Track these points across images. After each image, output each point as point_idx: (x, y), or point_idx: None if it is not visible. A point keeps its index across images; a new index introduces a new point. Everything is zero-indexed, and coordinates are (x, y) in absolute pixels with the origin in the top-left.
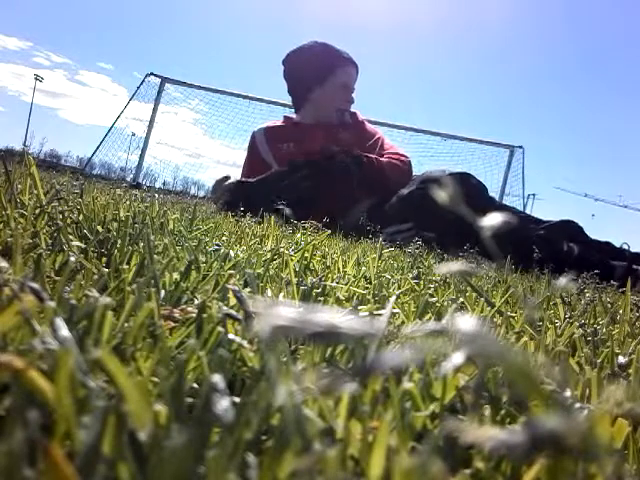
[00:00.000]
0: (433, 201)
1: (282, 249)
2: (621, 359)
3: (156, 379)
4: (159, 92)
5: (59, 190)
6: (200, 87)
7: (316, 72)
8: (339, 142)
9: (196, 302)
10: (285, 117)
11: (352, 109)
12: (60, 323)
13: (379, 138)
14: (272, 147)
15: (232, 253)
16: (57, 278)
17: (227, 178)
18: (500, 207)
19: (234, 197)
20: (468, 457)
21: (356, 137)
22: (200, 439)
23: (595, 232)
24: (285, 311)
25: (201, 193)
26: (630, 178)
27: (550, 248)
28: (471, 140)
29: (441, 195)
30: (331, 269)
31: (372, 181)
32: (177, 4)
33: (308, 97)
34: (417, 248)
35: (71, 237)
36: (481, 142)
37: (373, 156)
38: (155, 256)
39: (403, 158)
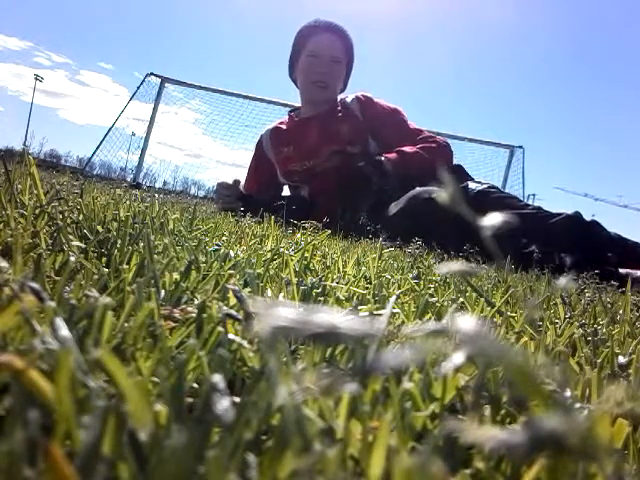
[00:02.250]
0: (424, 214)
1: (282, 249)
2: (621, 359)
3: (156, 379)
4: (159, 92)
5: (59, 190)
6: (200, 87)
7: (293, 50)
8: (336, 137)
9: (196, 302)
10: (289, 115)
11: (357, 92)
12: (60, 323)
13: (398, 117)
14: (275, 150)
15: (232, 253)
16: (57, 278)
17: (237, 182)
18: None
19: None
20: (468, 457)
21: (360, 125)
22: (200, 439)
23: None
24: (285, 312)
25: (201, 193)
26: (630, 178)
27: (542, 258)
28: (471, 140)
29: (442, 195)
30: (331, 269)
31: (403, 180)
32: (178, 4)
33: (294, 80)
34: (417, 248)
35: (71, 237)
36: (481, 142)
37: (393, 156)
38: (155, 256)
39: (434, 145)
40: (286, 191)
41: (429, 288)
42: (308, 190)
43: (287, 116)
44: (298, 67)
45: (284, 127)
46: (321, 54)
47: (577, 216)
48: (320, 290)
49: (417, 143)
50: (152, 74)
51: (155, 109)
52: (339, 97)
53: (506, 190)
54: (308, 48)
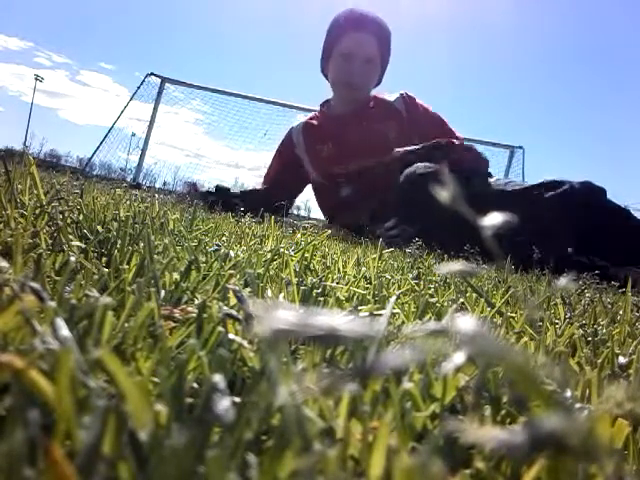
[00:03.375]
0: (418, 194)
1: (282, 249)
2: (621, 359)
3: (156, 379)
4: (159, 92)
5: (59, 190)
6: (200, 87)
7: (325, 46)
8: (376, 136)
9: (196, 302)
10: (321, 109)
11: (400, 91)
12: (60, 323)
13: (440, 120)
14: (310, 148)
15: (232, 253)
16: (57, 278)
17: (256, 191)
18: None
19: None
20: (468, 457)
21: (404, 126)
22: (200, 439)
23: None
24: (285, 314)
25: None
26: (630, 178)
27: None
28: (471, 140)
29: (442, 194)
30: (331, 269)
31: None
32: (178, 4)
33: (326, 75)
34: (417, 248)
35: (71, 237)
36: (481, 142)
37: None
38: (155, 256)
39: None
40: (305, 189)
41: (429, 288)
42: (352, 190)
43: (318, 110)
44: (330, 65)
45: (316, 123)
46: (353, 55)
47: (574, 191)
48: (320, 290)
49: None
50: (152, 74)
51: (155, 109)
52: (378, 93)
53: None
54: (340, 47)
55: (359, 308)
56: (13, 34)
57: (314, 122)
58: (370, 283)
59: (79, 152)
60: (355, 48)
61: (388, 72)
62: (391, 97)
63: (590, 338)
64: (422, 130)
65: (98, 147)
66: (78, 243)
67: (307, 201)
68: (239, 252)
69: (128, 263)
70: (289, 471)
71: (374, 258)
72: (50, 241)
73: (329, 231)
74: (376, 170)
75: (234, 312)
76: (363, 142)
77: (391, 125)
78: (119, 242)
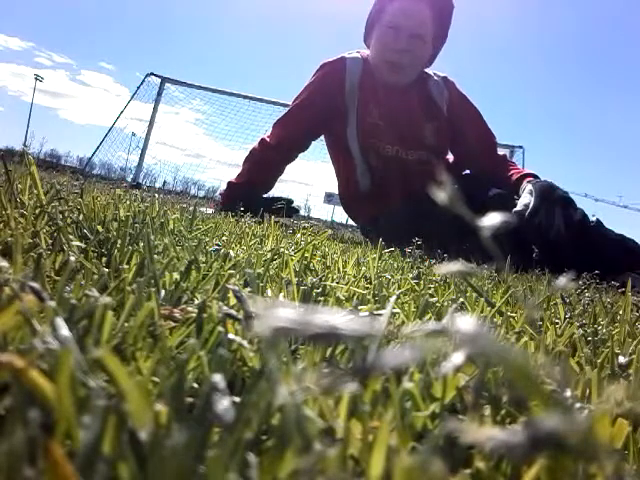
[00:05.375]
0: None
1: (282, 249)
2: (621, 359)
3: (156, 379)
4: (159, 92)
5: (59, 190)
6: (200, 87)
7: (371, 12)
8: (415, 127)
9: (196, 302)
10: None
11: (440, 74)
12: (60, 323)
13: (484, 125)
14: (362, 101)
15: (232, 253)
16: (57, 278)
17: (279, 199)
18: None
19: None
20: (468, 457)
21: (444, 124)
22: (200, 439)
23: None
24: (285, 312)
25: (201, 193)
26: (630, 178)
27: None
28: None
29: (440, 195)
30: (331, 269)
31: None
32: (179, 4)
33: (368, 46)
34: (417, 248)
35: (71, 237)
36: None
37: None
38: (155, 256)
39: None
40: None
41: (429, 288)
42: (379, 177)
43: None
44: (374, 35)
45: (373, 76)
46: (399, 27)
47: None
48: (320, 290)
49: (500, 161)
50: (152, 74)
51: (155, 109)
52: (427, 71)
53: None
54: (385, 16)
55: (359, 308)
56: (14, 34)
57: (370, 74)
58: (370, 283)
59: (79, 152)
60: (402, 19)
61: None
62: (431, 81)
63: (590, 338)
64: (463, 142)
65: (98, 147)
66: (78, 243)
67: (307, 201)
68: (239, 252)
69: (128, 263)
70: (289, 471)
71: (374, 258)
72: (50, 241)
73: (329, 231)
74: (411, 166)
75: (234, 312)
76: (404, 130)
77: (431, 125)
78: (119, 242)
